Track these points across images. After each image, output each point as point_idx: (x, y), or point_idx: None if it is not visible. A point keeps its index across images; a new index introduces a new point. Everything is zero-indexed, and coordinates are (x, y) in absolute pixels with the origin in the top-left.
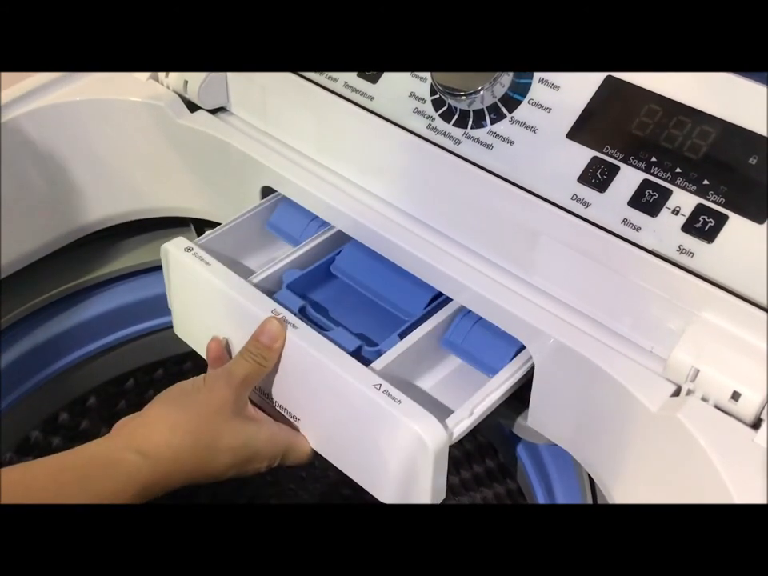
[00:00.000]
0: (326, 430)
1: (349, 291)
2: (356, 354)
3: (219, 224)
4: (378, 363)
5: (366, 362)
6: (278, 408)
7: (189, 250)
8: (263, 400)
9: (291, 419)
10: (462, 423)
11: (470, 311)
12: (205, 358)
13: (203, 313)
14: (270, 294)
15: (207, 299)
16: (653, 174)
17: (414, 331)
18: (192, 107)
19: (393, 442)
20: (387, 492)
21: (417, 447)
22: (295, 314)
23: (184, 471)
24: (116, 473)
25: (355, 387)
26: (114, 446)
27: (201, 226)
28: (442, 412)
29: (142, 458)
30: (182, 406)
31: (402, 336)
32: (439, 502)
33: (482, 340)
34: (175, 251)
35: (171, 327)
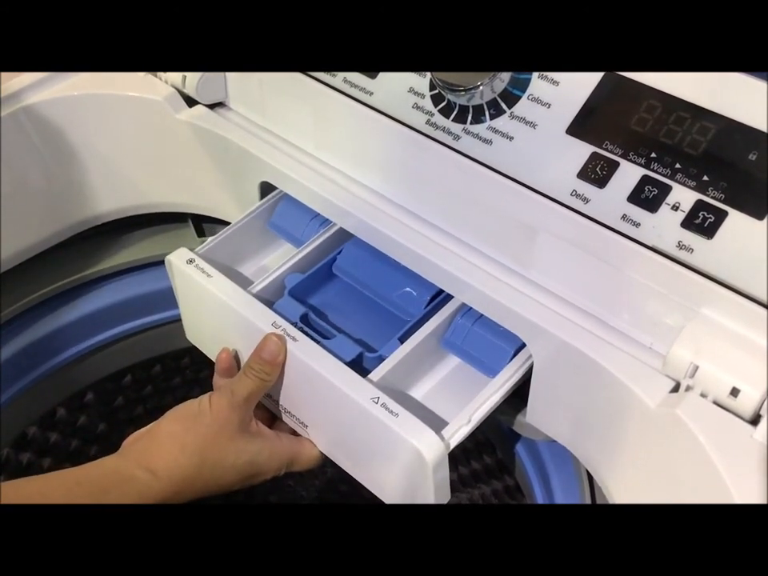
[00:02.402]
0: (332, 438)
1: (350, 291)
2: (356, 362)
3: (217, 219)
4: (376, 373)
5: (366, 371)
6: (286, 414)
7: (191, 261)
8: (273, 405)
9: (300, 425)
10: (459, 431)
11: (469, 309)
12: (214, 361)
13: (209, 322)
14: (273, 300)
15: (211, 310)
16: (652, 170)
17: (414, 335)
18: (190, 102)
19: (392, 454)
20: (392, 496)
21: (415, 460)
22: (296, 323)
23: (192, 488)
24: (128, 490)
25: (353, 401)
26: (126, 463)
27: (199, 221)
28: (440, 418)
29: (152, 477)
30: (189, 427)
31: (402, 339)
32: (444, 503)
33: (481, 340)
34: (178, 263)
35: (169, 323)
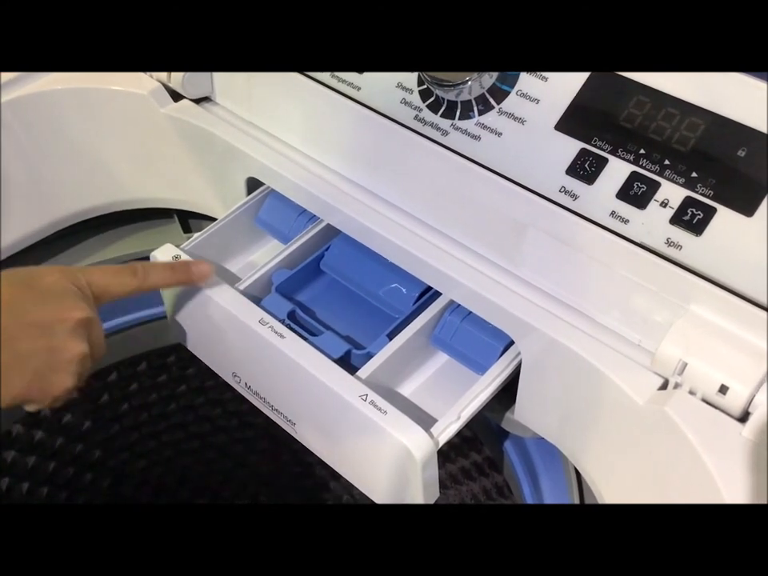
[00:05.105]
0: (320, 435)
1: (338, 287)
2: (345, 359)
3: (204, 215)
4: (365, 371)
5: (355, 368)
6: (274, 411)
7: (177, 258)
8: (260, 402)
9: (287, 422)
10: (449, 429)
11: (458, 306)
12: (200, 359)
13: (195, 319)
14: (260, 297)
15: (197, 307)
16: (641, 167)
17: (402, 332)
18: (176, 97)
19: (381, 452)
20: (381, 494)
21: (404, 457)
22: (283, 320)
23: None
24: None
25: (341, 398)
26: None
27: (185, 217)
28: (429, 415)
29: None
30: None
31: (390, 336)
32: (432, 502)
33: (470, 337)
34: (163, 259)
35: (154, 320)
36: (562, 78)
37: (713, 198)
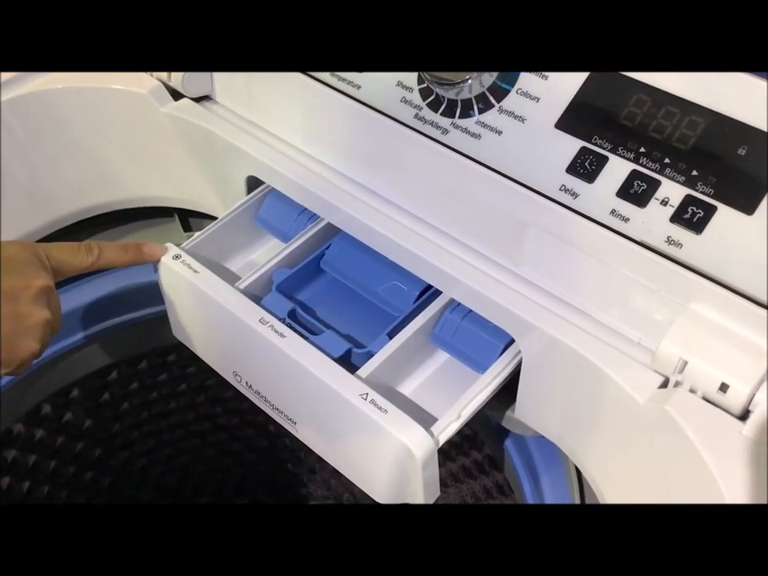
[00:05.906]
0: (321, 434)
1: (339, 286)
2: (345, 358)
3: (204, 214)
4: (365, 369)
5: (355, 367)
6: (274, 410)
7: (177, 257)
8: (260, 401)
9: (288, 421)
10: (449, 428)
11: (458, 305)
12: (201, 358)
13: (195, 318)
14: (261, 296)
15: (197, 306)
16: (641, 165)
17: (403, 330)
18: (176, 95)
19: (381, 451)
20: (381, 493)
21: (405, 457)
22: (283, 319)
23: None
24: None
25: (341, 397)
26: None
27: (186, 215)
28: (429, 414)
29: None
30: None
31: (390, 335)
32: (433, 501)
33: (470, 336)
34: (164, 259)
35: (155, 318)
36: (562, 76)
37: (713, 197)
